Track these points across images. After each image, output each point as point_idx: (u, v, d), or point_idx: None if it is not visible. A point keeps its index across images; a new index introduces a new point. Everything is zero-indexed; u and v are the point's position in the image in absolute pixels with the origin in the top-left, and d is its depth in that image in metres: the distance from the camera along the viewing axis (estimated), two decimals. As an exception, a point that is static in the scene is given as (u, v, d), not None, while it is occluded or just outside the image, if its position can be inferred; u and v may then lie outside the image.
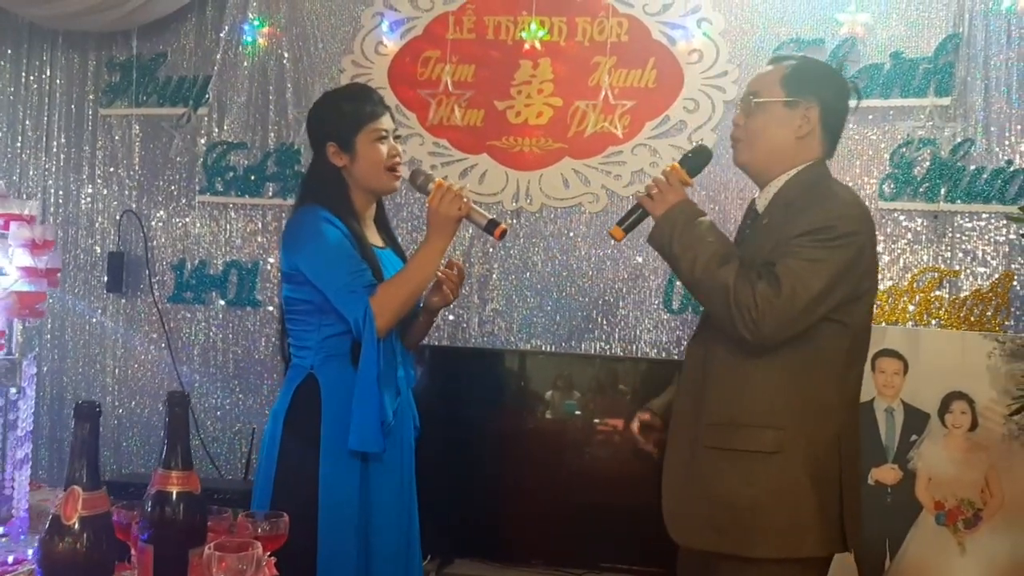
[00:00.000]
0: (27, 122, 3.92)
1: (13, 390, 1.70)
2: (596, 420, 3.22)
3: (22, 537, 1.78)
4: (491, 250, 3.52)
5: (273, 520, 1.68)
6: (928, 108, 3.14)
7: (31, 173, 3.91)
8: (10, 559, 1.66)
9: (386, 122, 2.21)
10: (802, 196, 1.96)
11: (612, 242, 3.35)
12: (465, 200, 2.12)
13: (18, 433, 1.73)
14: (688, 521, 1.98)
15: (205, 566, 1.44)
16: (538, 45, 3.45)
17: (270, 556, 1.61)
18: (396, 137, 2.24)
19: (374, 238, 2.25)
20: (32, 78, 3.93)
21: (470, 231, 3.52)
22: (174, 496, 1.44)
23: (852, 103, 2.08)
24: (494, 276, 3.52)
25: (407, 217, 3.56)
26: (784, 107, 1.99)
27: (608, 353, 3.38)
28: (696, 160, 2.08)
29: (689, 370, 2.06)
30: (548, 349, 3.44)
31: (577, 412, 3.22)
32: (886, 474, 2.82)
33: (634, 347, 3.38)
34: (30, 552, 1.67)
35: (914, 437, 2.81)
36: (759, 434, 1.92)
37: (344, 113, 2.19)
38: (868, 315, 2.03)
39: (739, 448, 1.93)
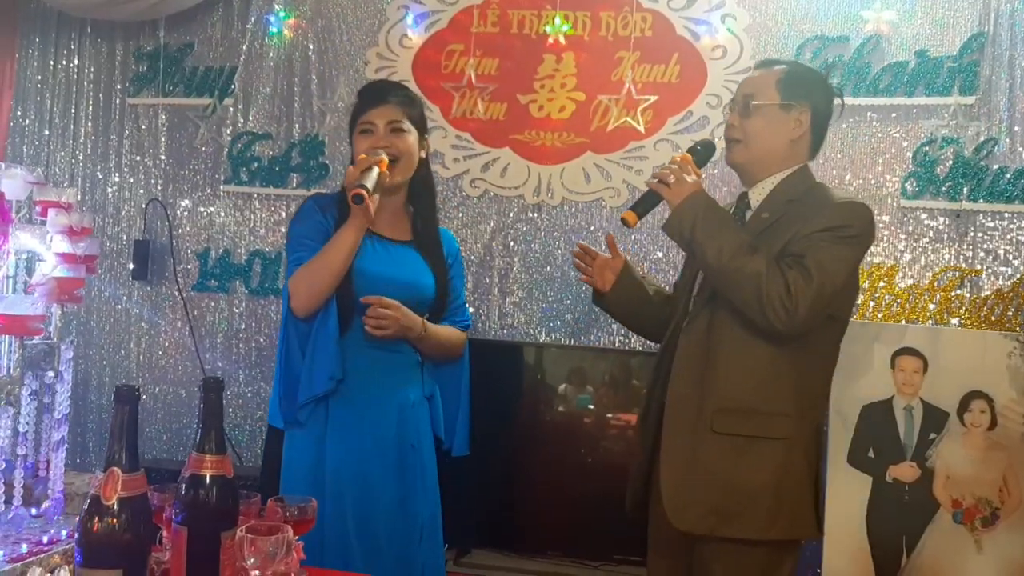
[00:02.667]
0: (55, 110, 3.97)
1: (51, 373, 1.74)
2: (610, 414, 3.24)
3: (56, 518, 1.81)
4: (512, 244, 3.54)
5: (302, 505, 1.72)
6: (952, 107, 3.14)
7: (59, 160, 3.96)
8: (44, 539, 1.69)
9: (375, 115, 2.25)
10: (806, 195, 2.07)
11: (633, 237, 3.39)
12: (364, 171, 2.10)
13: (55, 416, 1.77)
14: (692, 508, 2.03)
15: (237, 548, 1.47)
16: (562, 39, 3.46)
17: (299, 540, 1.64)
18: (398, 130, 2.24)
19: (388, 229, 2.28)
20: (60, 66, 3.97)
21: (492, 224, 3.55)
22: (208, 480, 1.48)
23: (837, 106, 2.20)
24: (515, 269, 3.54)
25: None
26: (780, 110, 2.10)
27: (628, 348, 3.40)
28: (704, 153, 2.17)
29: (686, 355, 2.09)
30: (567, 343, 3.46)
31: (591, 406, 3.24)
32: (904, 472, 2.83)
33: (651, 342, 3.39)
34: (64, 533, 1.70)
35: (933, 435, 2.81)
36: (771, 421, 2.01)
37: (352, 110, 2.32)
38: (851, 312, 2.16)
39: (752, 434, 2.00)
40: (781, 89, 2.09)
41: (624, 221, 2.13)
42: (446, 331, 2.33)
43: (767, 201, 2.10)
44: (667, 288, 2.48)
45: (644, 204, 2.13)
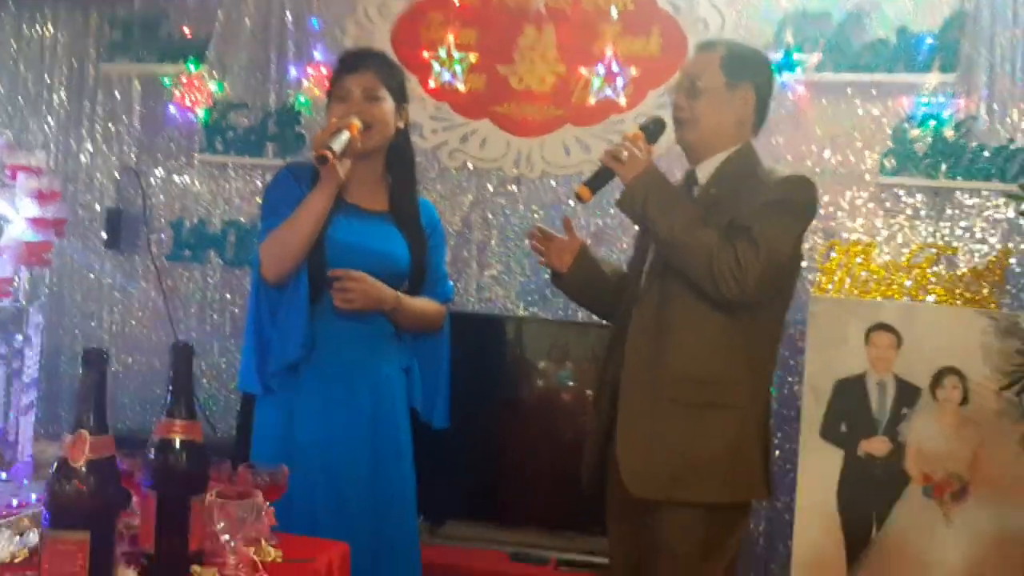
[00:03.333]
0: (28, 76, 3.90)
1: (19, 337, 1.71)
2: (588, 389, 3.24)
3: (25, 482, 1.80)
4: (490, 216, 3.52)
5: (273, 471, 1.71)
6: (932, 84, 3.14)
7: (32, 127, 3.90)
8: (14, 502, 1.68)
9: (351, 82, 2.22)
10: (754, 171, 2.15)
11: (612, 211, 3.38)
12: (333, 133, 2.09)
13: (24, 380, 1.75)
14: (649, 475, 2.09)
15: (207, 513, 1.47)
16: (543, 10, 3.43)
17: (270, 505, 1.63)
18: (373, 98, 2.22)
19: (364, 199, 2.25)
20: (34, 32, 3.90)
21: (470, 197, 3.53)
22: (177, 444, 1.47)
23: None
24: (493, 242, 3.53)
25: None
26: (725, 91, 2.15)
27: (605, 323, 3.39)
28: (655, 130, 2.21)
29: (640, 328, 2.14)
30: (546, 316, 3.45)
31: (573, 383, 3.25)
32: (876, 446, 2.85)
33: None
34: (34, 497, 1.69)
35: (905, 410, 2.84)
36: (724, 389, 2.09)
37: (331, 76, 2.30)
38: (795, 285, 2.25)
39: (706, 403, 2.07)
40: (725, 70, 2.15)
41: (578, 196, 2.17)
42: (422, 303, 2.31)
43: (714, 177, 2.16)
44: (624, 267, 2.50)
45: (598, 180, 2.17)
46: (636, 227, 2.38)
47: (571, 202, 3.45)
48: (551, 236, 2.37)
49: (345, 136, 2.08)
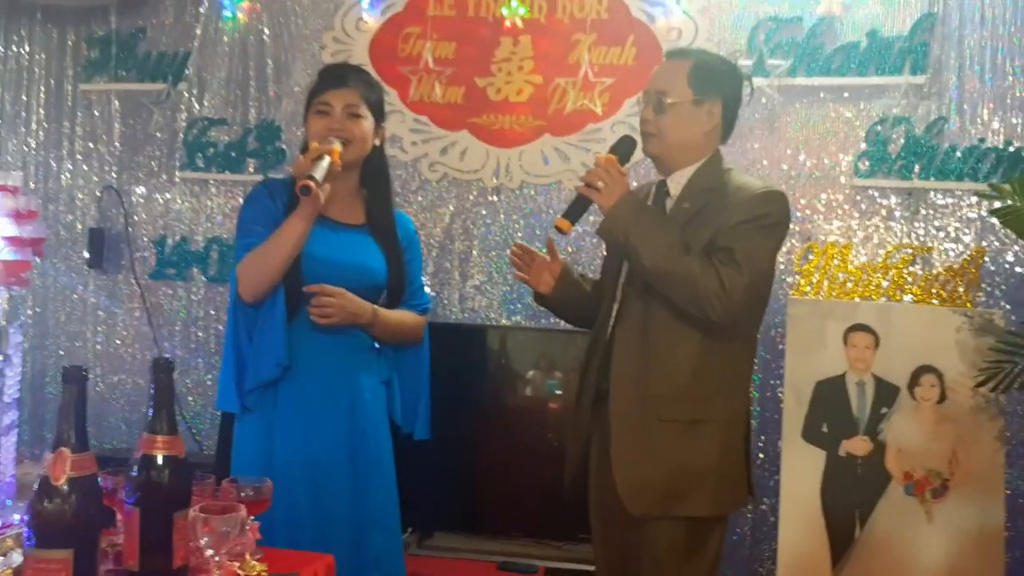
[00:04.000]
0: (6, 98, 3.90)
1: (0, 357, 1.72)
2: (572, 395, 3.25)
3: (8, 503, 1.80)
4: (471, 227, 3.54)
5: (257, 485, 1.72)
6: (903, 86, 3.18)
7: (10, 148, 3.89)
8: (-3, 524, 1.68)
9: (333, 97, 2.23)
10: (723, 183, 2.16)
11: (591, 219, 3.40)
12: (315, 159, 2.09)
13: (4, 400, 1.76)
14: (646, 493, 2.11)
15: (191, 528, 1.48)
16: (519, 22, 3.46)
17: (254, 520, 1.64)
18: (354, 115, 2.23)
19: (340, 213, 2.26)
20: (11, 52, 3.90)
21: (451, 208, 3.55)
22: (160, 460, 1.48)
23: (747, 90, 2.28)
24: (474, 252, 3.55)
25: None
26: (692, 106, 2.16)
27: (588, 330, 3.40)
28: (626, 151, 2.20)
29: (624, 348, 2.15)
30: (529, 325, 3.47)
31: (559, 392, 3.26)
32: (857, 446, 2.88)
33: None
34: (16, 517, 1.69)
35: (884, 410, 2.87)
36: (708, 404, 2.11)
37: (310, 89, 2.30)
38: (768, 297, 2.26)
39: (692, 419, 2.10)
40: (692, 84, 2.15)
41: (558, 229, 2.15)
42: (399, 315, 2.32)
43: (686, 190, 2.17)
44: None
45: (575, 210, 2.16)
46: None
47: (550, 210, 3.48)
48: (532, 254, 2.36)
49: (326, 162, 2.08)
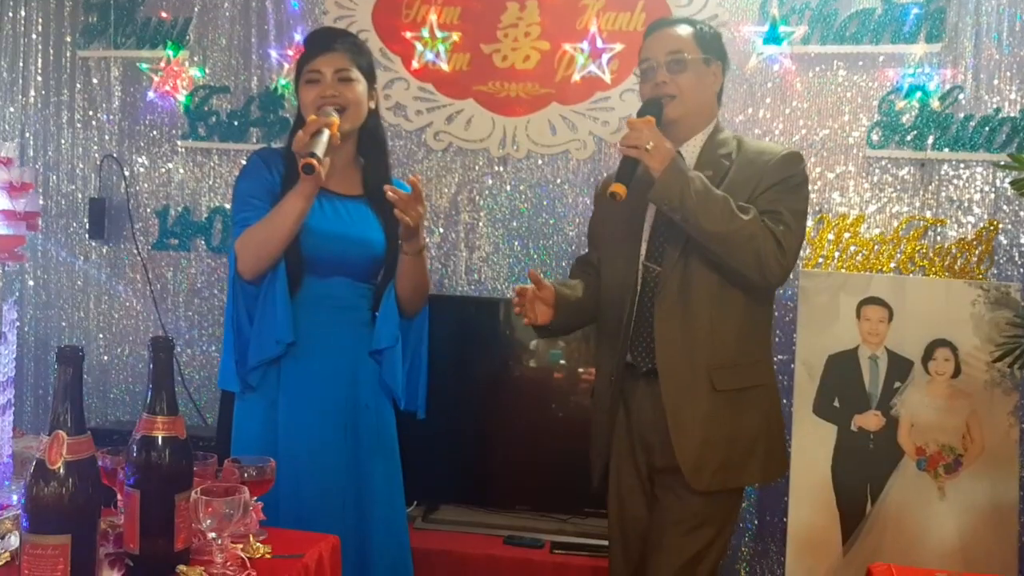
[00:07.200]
0: (2, 64, 3.84)
1: (-6, 335, 1.68)
2: (581, 369, 3.23)
3: (6, 483, 1.77)
4: (477, 198, 3.49)
5: (260, 465, 1.69)
6: (918, 54, 3.11)
7: (7, 116, 3.83)
8: (-5, 505, 1.65)
9: (322, 63, 2.18)
10: (738, 148, 2.16)
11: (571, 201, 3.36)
12: (314, 134, 2.03)
13: (0, 379, 1.72)
14: (707, 468, 2.08)
15: (192, 510, 1.44)
16: (525, -13, 3.38)
17: (257, 501, 1.61)
18: (346, 79, 2.18)
19: (337, 184, 2.21)
20: (7, 19, 3.83)
21: (457, 178, 3.49)
22: (160, 441, 1.45)
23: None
24: (480, 224, 3.50)
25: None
26: (703, 64, 2.17)
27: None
28: (658, 112, 2.15)
29: (666, 319, 2.10)
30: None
31: (562, 361, 3.23)
32: (869, 420, 2.84)
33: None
34: (14, 498, 1.66)
35: (897, 384, 2.83)
36: (755, 369, 2.14)
37: (298, 58, 2.26)
38: None
39: (743, 386, 2.11)
40: (699, 44, 2.17)
41: (614, 195, 2.05)
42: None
43: (703, 158, 2.15)
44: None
45: (625, 173, 2.08)
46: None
47: (558, 180, 3.42)
48: (524, 291, 2.21)
49: (326, 136, 2.03)
